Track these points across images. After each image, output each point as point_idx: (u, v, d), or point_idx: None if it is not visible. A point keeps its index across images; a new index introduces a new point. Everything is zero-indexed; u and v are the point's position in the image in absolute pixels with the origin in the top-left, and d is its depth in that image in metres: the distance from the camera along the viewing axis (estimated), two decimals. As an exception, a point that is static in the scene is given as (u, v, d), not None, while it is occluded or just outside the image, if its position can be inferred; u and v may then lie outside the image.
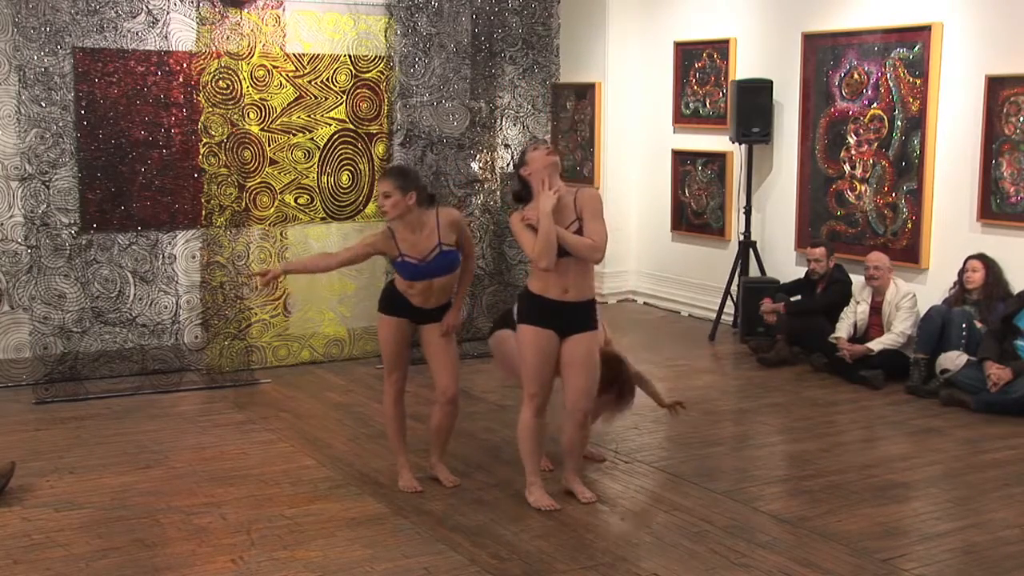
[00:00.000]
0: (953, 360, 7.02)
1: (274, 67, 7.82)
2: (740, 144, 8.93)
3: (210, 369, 7.55)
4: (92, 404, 6.95)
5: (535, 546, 4.69)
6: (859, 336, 7.64)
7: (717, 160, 9.51)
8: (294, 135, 7.99)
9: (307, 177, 8.09)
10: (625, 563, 4.51)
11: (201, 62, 7.52)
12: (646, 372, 5.72)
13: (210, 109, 7.54)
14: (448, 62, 8.14)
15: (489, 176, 8.42)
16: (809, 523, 4.95)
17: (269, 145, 7.89)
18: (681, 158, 9.86)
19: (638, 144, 10.38)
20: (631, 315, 9.98)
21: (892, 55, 7.97)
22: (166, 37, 7.47)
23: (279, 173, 7.98)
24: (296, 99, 7.96)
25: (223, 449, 6.06)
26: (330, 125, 8.12)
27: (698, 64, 9.62)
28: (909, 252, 7.93)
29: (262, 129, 7.84)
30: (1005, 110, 7.28)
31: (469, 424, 6.37)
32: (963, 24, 7.55)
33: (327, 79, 8.06)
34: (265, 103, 7.83)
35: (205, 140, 7.56)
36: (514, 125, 8.51)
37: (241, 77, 7.63)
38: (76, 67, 7.24)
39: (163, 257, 7.60)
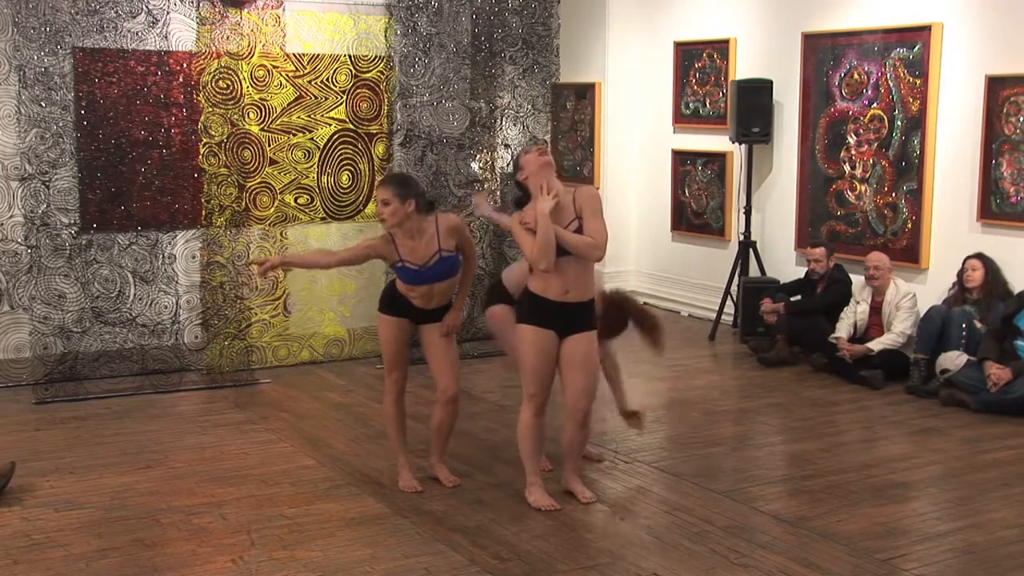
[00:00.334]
0: (953, 360, 7.02)
1: (274, 67, 7.83)
2: (740, 144, 8.93)
3: (210, 369, 7.55)
4: (92, 404, 6.95)
5: (535, 546, 4.69)
6: (859, 336, 7.64)
7: (717, 160, 9.51)
8: (294, 135, 7.99)
9: (307, 177, 8.09)
10: (625, 563, 4.51)
11: (201, 62, 7.52)
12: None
13: (210, 109, 7.54)
14: (448, 62, 8.14)
15: (489, 176, 8.42)
16: (809, 523, 4.95)
17: (269, 145, 7.89)
18: (681, 158, 9.86)
19: (638, 144, 10.39)
20: (631, 315, 9.96)
21: (892, 55, 7.97)
22: (166, 37, 7.47)
23: (279, 173, 7.98)
24: (296, 99, 7.96)
25: (223, 449, 6.06)
26: (330, 125, 8.12)
27: (698, 64, 9.63)
28: (909, 252, 7.93)
29: (262, 129, 7.84)
30: (1005, 110, 7.28)
31: (469, 424, 6.37)
32: (963, 24, 7.55)
33: (327, 79, 8.06)
34: (265, 103, 7.83)
35: (205, 140, 7.56)
36: (514, 125, 8.51)
37: (241, 77, 7.63)
38: (76, 67, 7.24)
39: (163, 257, 7.60)
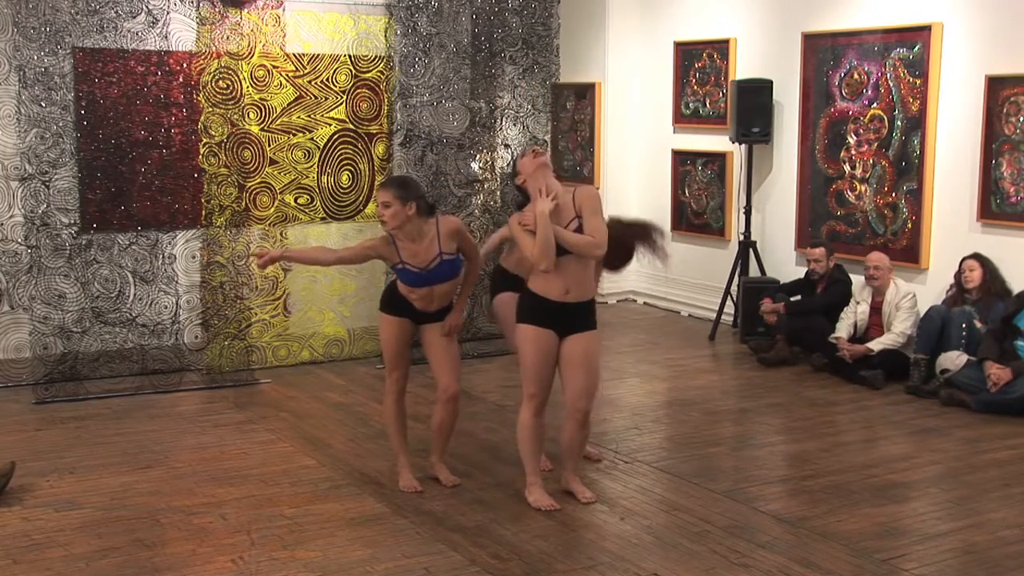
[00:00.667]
0: (953, 360, 7.02)
1: (274, 67, 7.82)
2: (740, 144, 8.93)
3: (210, 369, 7.55)
4: (92, 404, 6.95)
5: (535, 546, 4.69)
6: (859, 336, 7.64)
7: (717, 160, 9.51)
8: (294, 135, 7.99)
9: (307, 177, 8.09)
10: (625, 563, 4.51)
11: (201, 62, 7.52)
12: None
13: (210, 109, 7.54)
14: (448, 62, 8.14)
15: (489, 176, 8.42)
16: (809, 523, 4.95)
17: (269, 145, 7.89)
18: (681, 158, 9.86)
19: (638, 144, 10.38)
20: (631, 315, 9.98)
21: (892, 55, 7.97)
22: (166, 37, 7.47)
23: (279, 173, 7.98)
24: (296, 99, 7.96)
25: (223, 449, 6.06)
26: (330, 125, 8.12)
27: (698, 64, 9.63)
28: (909, 252, 7.93)
29: (262, 129, 7.84)
30: (1005, 110, 7.28)
31: (469, 424, 6.37)
32: (963, 24, 7.55)
33: (327, 79, 8.06)
34: (265, 103, 7.83)
35: (205, 140, 7.56)
36: (514, 125, 8.51)
37: (241, 77, 7.63)
38: (76, 67, 7.24)
39: (163, 257, 7.60)
